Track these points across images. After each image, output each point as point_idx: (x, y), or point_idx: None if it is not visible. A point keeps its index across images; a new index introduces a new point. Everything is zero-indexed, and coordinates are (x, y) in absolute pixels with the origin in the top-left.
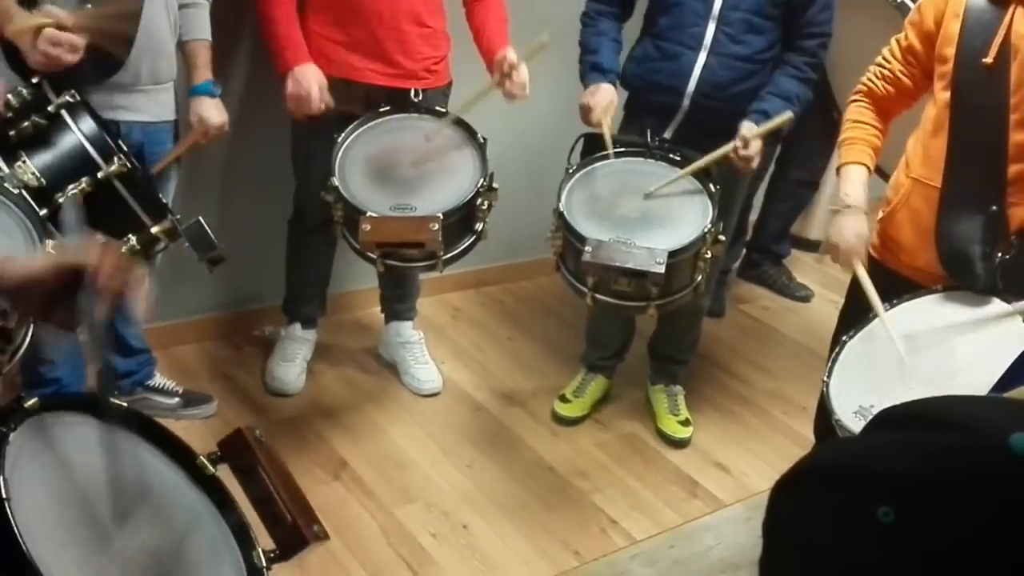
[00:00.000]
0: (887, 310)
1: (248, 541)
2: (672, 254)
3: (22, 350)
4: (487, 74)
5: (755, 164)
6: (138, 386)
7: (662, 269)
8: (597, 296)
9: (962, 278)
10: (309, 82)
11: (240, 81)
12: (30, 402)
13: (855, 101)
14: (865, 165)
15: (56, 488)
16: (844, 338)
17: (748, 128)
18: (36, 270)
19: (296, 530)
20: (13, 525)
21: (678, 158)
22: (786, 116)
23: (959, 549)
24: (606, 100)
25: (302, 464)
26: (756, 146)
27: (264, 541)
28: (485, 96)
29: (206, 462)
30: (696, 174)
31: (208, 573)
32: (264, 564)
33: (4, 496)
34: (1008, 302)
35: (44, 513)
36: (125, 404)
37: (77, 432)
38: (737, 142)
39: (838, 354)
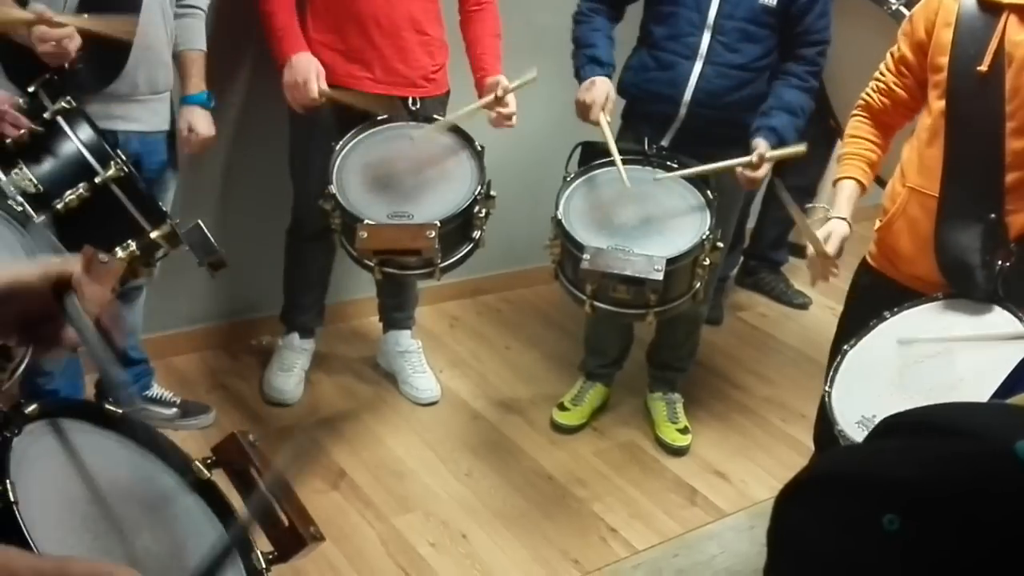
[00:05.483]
0: (888, 318)
1: (247, 544)
2: (670, 261)
3: (22, 367)
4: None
5: (760, 185)
6: (135, 397)
7: (661, 276)
8: (596, 304)
9: (962, 287)
10: (307, 70)
11: (239, 91)
12: (30, 408)
13: (854, 116)
14: (856, 180)
15: (60, 492)
16: (845, 347)
17: (764, 147)
18: (25, 276)
19: (293, 531)
20: (23, 528)
21: (675, 165)
22: (800, 148)
23: (964, 556)
24: (603, 95)
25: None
26: (767, 168)
27: (261, 544)
28: (474, 115)
29: (201, 467)
30: (694, 181)
31: None
32: (264, 566)
33: (13, 500)
34: (1008, 310)
35: (51, 517)
36: (120, 411)
37: (77, 437)
38: (752, 158)
39: (839, 363)
